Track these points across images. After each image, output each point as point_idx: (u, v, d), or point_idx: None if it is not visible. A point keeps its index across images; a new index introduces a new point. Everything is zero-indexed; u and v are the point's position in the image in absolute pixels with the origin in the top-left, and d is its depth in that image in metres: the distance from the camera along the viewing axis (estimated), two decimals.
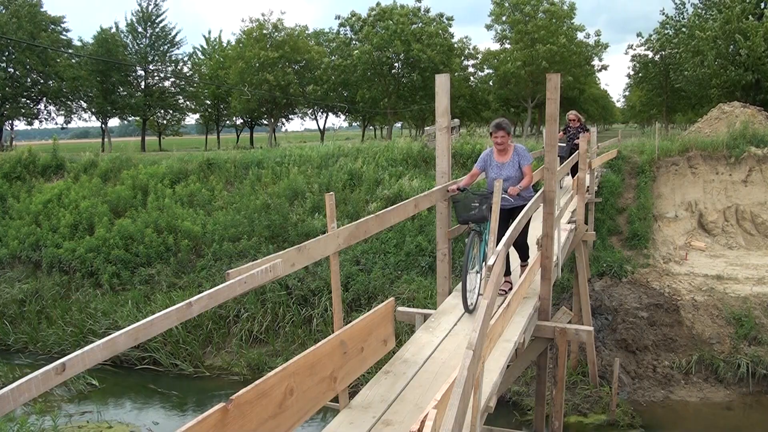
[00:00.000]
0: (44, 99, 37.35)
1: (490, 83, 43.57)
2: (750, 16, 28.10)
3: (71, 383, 10.19)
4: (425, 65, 36.58)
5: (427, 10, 38.90)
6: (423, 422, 2.40)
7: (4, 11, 33.26)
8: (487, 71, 43.96)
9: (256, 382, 2.95)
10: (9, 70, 34.18)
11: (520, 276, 5.99)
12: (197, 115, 47.31)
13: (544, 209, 5.63)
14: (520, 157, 5.92)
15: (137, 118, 41.45)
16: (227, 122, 49.19)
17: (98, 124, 41.21)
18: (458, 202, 5.78)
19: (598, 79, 56.19)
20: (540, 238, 5.68)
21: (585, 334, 5.93)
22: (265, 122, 44.55)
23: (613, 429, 8.49)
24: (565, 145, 11.06)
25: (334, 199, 3.97)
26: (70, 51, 36.50)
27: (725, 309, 10.32)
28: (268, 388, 2.99)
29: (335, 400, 3.90)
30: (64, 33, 36.81)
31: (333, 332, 3.88)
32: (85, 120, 72.96)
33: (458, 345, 4.84)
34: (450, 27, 39.55)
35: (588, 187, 10.24)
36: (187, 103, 44.01)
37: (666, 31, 35.45)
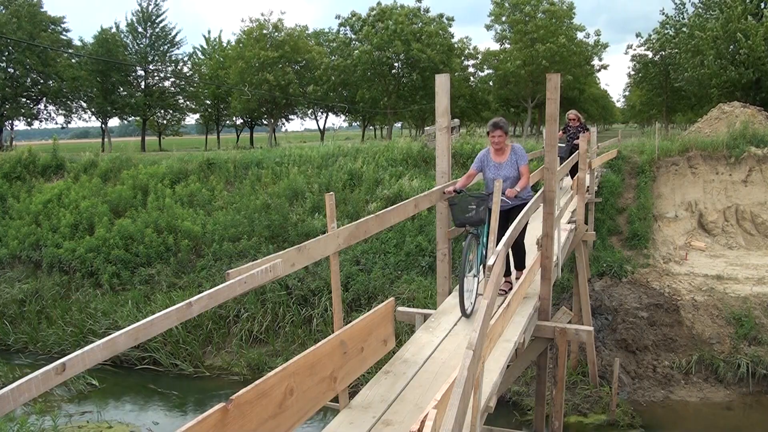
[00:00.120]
0: (44, 99, 37.39)
1: (490, 83, 43.61)
2: (749, 17, 28.12)
3: (71, 383, 10.19)
4: (425, 65, 36.59)
5: (427, 10, 38.92)
6: (423, 422, 2.40)
7: (4, 11, 33.26)
8: (487, 71, 44.01)
9: (256, 382, 2.95)
10: (9, 70, 34.21)
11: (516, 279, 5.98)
12: (197, 115, 47.37)
13: (544, 209, 5.63)
14: (517, 156, 5.86)
15: (137, 118, 41.47)
16: (227, 122, 49.20)
17: (98, 124, 41.30)
18: (455, 204, 5.65)
19: (598, 79, 56.31)
20: (540, 238, 5.68)
21: (585, 334, 5.93)
22: (265, 122, 44.56)
23: (613, 429, 8.49)
24: (564, 145, 11.01)
25: (334, 199, 3.97)
26: (70, 51, 36.54)
27: (725, 309, 10.32)
28: (268, 388, 2.99)
29: (335, 400, 3.90)
30: (64, 33, 36.89)
31: (333, 332, 3.88)
32: (85, 120, 72.94)
33: (458, 345, 4.84)
34: (450, 27, 39.59)
35: (588, 187, 10.24)
36: (187, 103, 44.07)
37: (666, 31, 35.45)
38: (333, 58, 39.83)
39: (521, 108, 44.18)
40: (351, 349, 3.84)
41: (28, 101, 36.84)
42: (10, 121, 37.06)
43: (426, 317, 5.68)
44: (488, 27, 39.31)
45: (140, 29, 39.23)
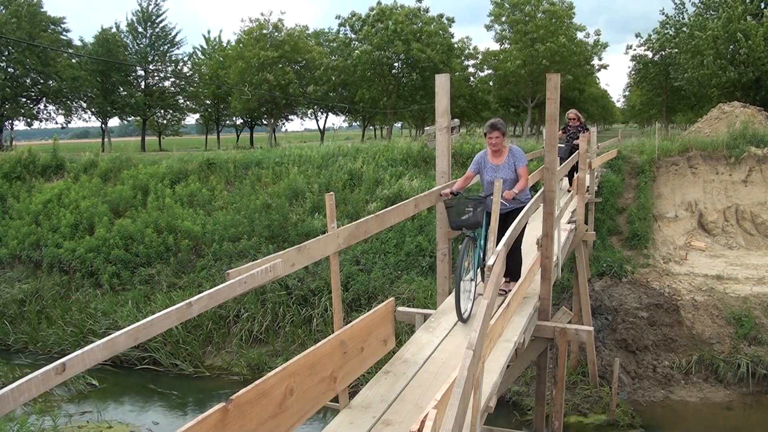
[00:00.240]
0: (44, 99, 37.38)
1: (490, 83, 43.59)
2: (749, 17, 28.14)
3: (71, 383, 10.18)
4: (425, 65, 36.58)
5: (427, 10, 38.92)
6: (423, 422, 2.40)
7: (4, 11, 33.26)
8: (487, 71, 43.99)
9: (256, 382, 2.96)
10: (9, 70, 34.20)
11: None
12: (197, 115, 47.38)
13: (544, 209, 5.62)
14: (515, 158, 5.76)
15: (137, 118, 41.49)
16: (227, 122, 49.20)
17: (98, 124, 41.31)
18: (451, 207, 5.51)
19: (598, 78, 56.32)
20: (540, 238, 5.67)
21: (585, 334, 5.92)
22: (265, 122, 44.56)
23: (613, 429, 8.49)
24: (564, 145, 10.98)
25: (334, 199, 3.98)
26: (70, 51, 36.55)
27: (725, 309, 10.33)
28: (268, 388, 2.99)
29: (335, 400, 3.90)
30: (65, 33, 36.88)
31: (333, 332, 3.89)
32: (85, 120, 72.88)
33: (458, 345, 4.84)
34: (450, 27, 39.58)
35: (588, 187, 10.24)
36: (187, 103, 44.09)
37: (666, 31, 35.45)
38: (333, 58, 39.82)
39: (521, 108, 44.17)
40: (351, 349, 3.84)
41: (28, 101, 36.84)
42: (10, 121, 37.06)
43: (426, 317, 5.68)
44: (488, 27, 39.30)
45: (140, 29, 39.26)
